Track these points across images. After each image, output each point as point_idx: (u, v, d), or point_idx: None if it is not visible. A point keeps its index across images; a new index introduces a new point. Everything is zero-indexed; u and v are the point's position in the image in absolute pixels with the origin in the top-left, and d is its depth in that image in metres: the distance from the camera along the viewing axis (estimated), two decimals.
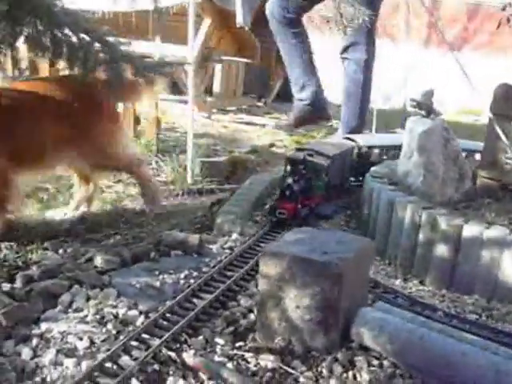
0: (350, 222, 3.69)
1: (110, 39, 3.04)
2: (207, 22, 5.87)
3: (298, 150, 3.81)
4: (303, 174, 3.52)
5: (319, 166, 3.59)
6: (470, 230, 2.89)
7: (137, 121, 4.65)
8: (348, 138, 4.44)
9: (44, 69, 4.67)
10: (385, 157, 4.29)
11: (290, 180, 3.44)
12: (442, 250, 2.97)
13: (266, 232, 3.23)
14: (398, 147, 4.29)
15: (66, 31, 2.92)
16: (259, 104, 6.98)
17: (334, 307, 2.12)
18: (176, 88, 5.78)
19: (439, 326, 2.21)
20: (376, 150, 4.31)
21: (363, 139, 4.41)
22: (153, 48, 5.32)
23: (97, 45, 3.00)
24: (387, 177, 3.59)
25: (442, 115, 3.54)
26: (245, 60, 6.50)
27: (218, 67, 6.40)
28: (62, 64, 4.49)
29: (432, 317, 2.47)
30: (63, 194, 4.04)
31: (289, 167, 3.54)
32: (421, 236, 3.06)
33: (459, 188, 3.47)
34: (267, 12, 5.23)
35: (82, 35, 2.97)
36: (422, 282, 3.06)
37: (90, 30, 3.04)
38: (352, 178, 4.24)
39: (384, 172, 3.67)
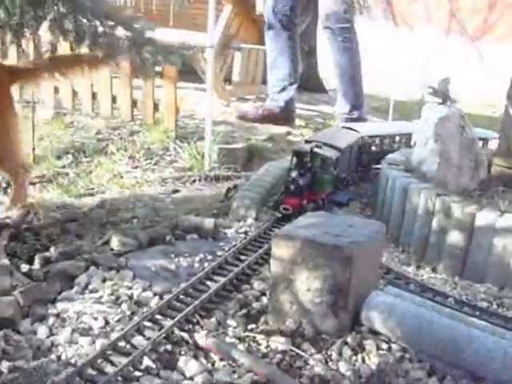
0: (366, 210, 3.71)
1: (135, 24, 3.08)
2: (228, 9, 5.88)
3: (307, 141, 3.64)
4: (310, 167, 3.36)
5: (327, 158, 3.42)
6: (483, 218, 2.90)
7: (155, 108, 4.69)
8: (349, 128, 4.22)
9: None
10: (385, 146, 4.18)
11: (294, 173, 3.24)
12: (454, 237, 2.98)
13: (281, 218, 3.25)
14: (402, 136, 4.28)
15: (89, 16, 2.96)
16: None
17: (345, 290, 2.15)
18: (195, 76, 5.81)
19: (448, 311, 2.23)
20: (377, 140, 4.17)
21: (364, 129, 4.23)
22: (173, 35, 5.34)
23: (121, 31, 3.04)
24: (403, 164, 3.59)
25: (458, 103, 3.53)
26: (265, 48, 6.49)
27: (238, 55, 6.42)
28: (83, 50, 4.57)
29: (442, 303, 2.49)
30: (83, 179, 4.11)
31: (294, 160, 3.39)
32: (434, 223, 3.07)
33: (474, 176, 3.47)
34: (267, 8, 5.23)
35: (106, 21, 3.01)
36: (434, 270, 3.07)
37: (112, 14, 3.08)
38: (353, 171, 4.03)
39: (400, 160, 3.67)
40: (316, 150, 3.41)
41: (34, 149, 4.29)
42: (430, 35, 8.67)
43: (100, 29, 2.97)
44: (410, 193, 3.21)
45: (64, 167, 4.26)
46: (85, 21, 2.93)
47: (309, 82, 7.13)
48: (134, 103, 4.78)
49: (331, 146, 3.54)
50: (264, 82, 6.73)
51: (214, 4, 4.10)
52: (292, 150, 3.52)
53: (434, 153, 3.41)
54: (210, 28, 4.10)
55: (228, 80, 6.32)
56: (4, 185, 3.92)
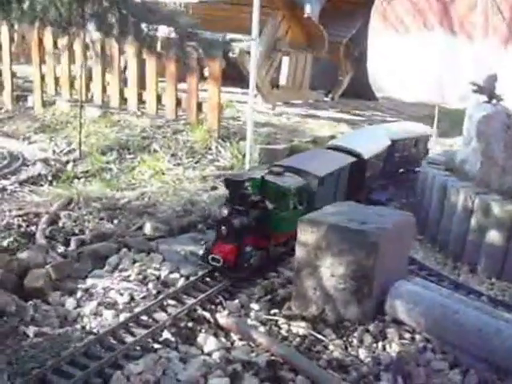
0: (404, 209, 3.63)
1: (177, 19, 3.13)
2: (275, 12, 5.89)
3: (275, 165, 2.67)
4: (255, 202, 2.39)
5: (285, 189, 2.41)
6: None
7: (199, 107, 4.73)
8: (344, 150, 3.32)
9: (114, 52, 4.84)
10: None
11: (226, 211, 2.30)
12: (494, 236, 2.89)
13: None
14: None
15: (133, 10, 3.02)
16: (326, 99, 6.95)
17: (369, 277, 2.11)
18: (244, 82, 5.86)
19: (476, 304, 2.17)
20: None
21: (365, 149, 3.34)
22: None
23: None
24: (444, 164, 3.52)
25: (504, 100, 3.43)
26: (312, 53, 6.47)
27: (286, 59, 6.43)
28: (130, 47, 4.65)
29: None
30: (126, 175, 4.19)
31: (228, 192, 2.40)
32: (473, 222, 2.99)
33: None
34: None
35: (149, 15, 3.06)
36: (472, 270, 2.99)
37: (155, 9, 3.14)
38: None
39: (441, 159, 3.59)
40: (268, 178, 2.44)
41: (80, 145, 4.41)
42: (489, 44, 8.51)
43: (143, 23, 3.04)
44: (449, 191, 3.14)
45: (108, 163, 4.34)
46: (128, 14, 3.00)
47: (359, 89, 7.09)
48: (178, 103, 4.84)
49: (301, 173, 2.56)
50: (313, 87, 6.75)
51: (258, 7, 4.11)
52: (224, 178, 2.63)
53: (476, 151, 3.32)
54: (255, 25, 4.09)
55: (276, 84, 6.34)
56: (50, 178, 4.03)
